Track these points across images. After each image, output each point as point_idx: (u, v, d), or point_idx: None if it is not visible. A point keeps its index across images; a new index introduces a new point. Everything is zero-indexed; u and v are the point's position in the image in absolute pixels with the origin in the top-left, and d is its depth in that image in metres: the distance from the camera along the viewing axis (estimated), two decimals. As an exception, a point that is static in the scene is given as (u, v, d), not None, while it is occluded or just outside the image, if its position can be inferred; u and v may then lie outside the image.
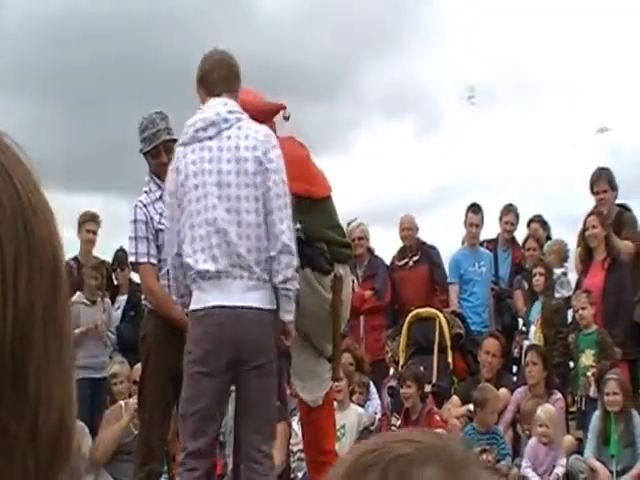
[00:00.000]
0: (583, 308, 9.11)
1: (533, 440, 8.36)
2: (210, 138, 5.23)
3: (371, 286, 10.59)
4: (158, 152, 6.32)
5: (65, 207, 11.06)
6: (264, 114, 5.76)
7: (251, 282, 5.09)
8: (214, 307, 5.07)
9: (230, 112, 5.27)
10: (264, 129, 5.28)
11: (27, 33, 18.21)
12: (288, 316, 5.17)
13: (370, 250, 10.89)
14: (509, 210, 11.21)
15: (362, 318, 10.45)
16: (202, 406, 5.06)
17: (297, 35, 19.30)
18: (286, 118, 5.98)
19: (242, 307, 5.05)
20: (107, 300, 10.21)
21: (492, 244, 11.26)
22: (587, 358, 8.95)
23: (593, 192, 10.06)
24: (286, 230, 5.09)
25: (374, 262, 10.85)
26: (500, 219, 11.25)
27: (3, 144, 0.81)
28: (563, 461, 8.18)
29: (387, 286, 10.73)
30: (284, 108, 5.92)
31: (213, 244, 5.10)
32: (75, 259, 10.60)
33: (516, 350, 10.02)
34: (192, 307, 5.20)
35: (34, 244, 0.78)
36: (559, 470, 8.12)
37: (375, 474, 0.98)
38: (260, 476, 5.08)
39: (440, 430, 8.37)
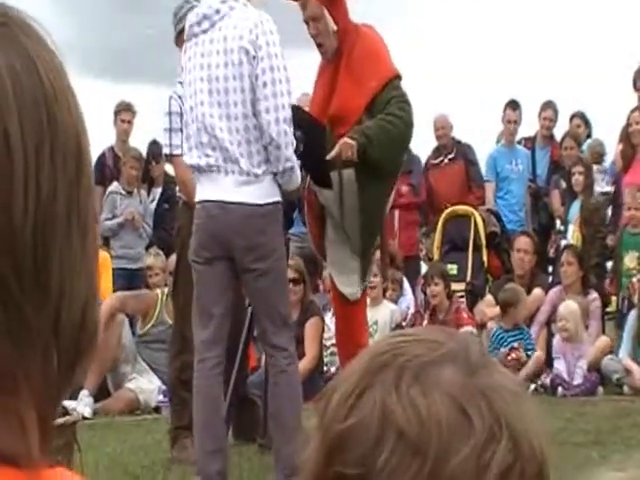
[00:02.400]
0: (637, 208, 8.93)
1: (557, 337, 8.38)
2: (204, 32, 5.12)
3: (407, 182, 10.58)
4: None
5: (115, 96, 10.99)
6: None
7: (242, 177, 5.02)
8: (207, 201, 5.07)
9: (223, 2, 5.12)
10: (255, 16, 5.07)
11: None
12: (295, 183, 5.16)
13: (407, 147, 10.84)
14: (548, 106, 11.07)
15: (397, 213, 10.44)
16: (201, 294, 5.08)
17: None
18: None
19: (231, 202, 5.01)
20: (143, 192, 10.22)
21: (530, 142, 11.14)
22: (631, 260, 8.87)
23: (636, 88, 9.89)
24: (272, 121, 4.94)
25: (410, 158, 10.80)
26: (539, 115, 11.11)
27: (27, 27, 0.77)
28: (584, 361, 8.16)
29: (423, 183, 10.70)
30: None
31: (204, 141, 5.06)
32: (111, 149, 10.59)
33: (552, 250, 9.98)
34: (195, 200, 5.22)
35: (57, 132, 0.75)
36: (580, 368, 8.13)
37: (390, 375, 0.97)
38: (278, 372, 5.09)
39: (468, 328, 8.40)
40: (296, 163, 5.08)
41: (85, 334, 0.76)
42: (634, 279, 8.74)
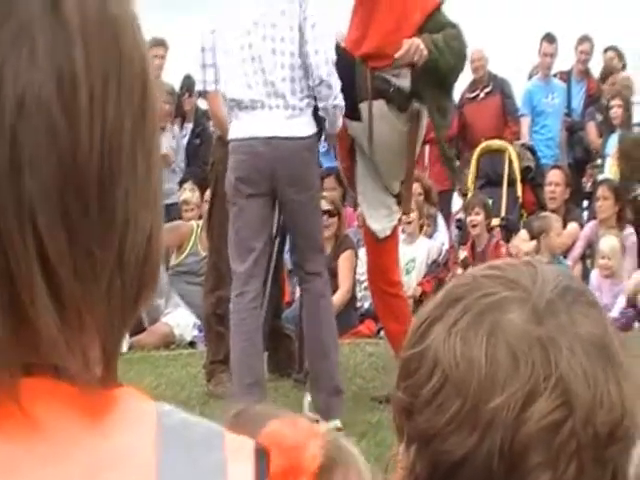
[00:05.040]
0: None
1: (595, 272, 8.33)
2: None
3: (438, 115, 10.44)
4: None
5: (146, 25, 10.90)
6: None
7: (287, 111, 5.05)
8: (251, 138, 5.06)
9: None
10: None
11: None
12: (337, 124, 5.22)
13: (438, 81, 10.74)
14: (584, 40, 10.96)
15: (427, 147, 10.34)
16: (241, 228, 5.10)
17: None
18: None
19: (278, 137, 5.02)
20: (176, 127, 10.21)
21: (566, 75, 11.05)
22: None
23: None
24: (322, 63, 5.00)
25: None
26: (575, 49, 11.02)
27: None
28: (623, 298, 8.12)
29: (454, 116, 10.57)
30: None
31: (248, 72, 5.03)
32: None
33: (588, 184, 9.91)
34: (230, 137, 5.17)
35: (123, 59, 0.73)
36: (620, 303, 8.10)
37: (457, 310, 0.97)
38: (314, 295, 5.17)
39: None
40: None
41: (149, 266, 0.75)
42: None
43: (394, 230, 5.96)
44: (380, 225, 5.82)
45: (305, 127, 5.08)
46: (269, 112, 5.04)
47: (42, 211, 0.68)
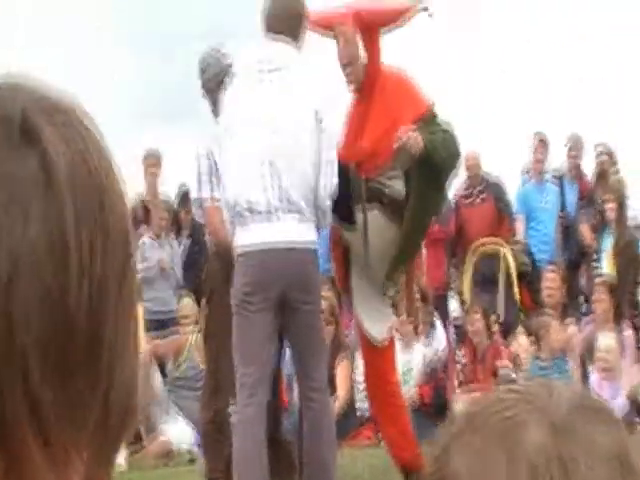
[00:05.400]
0: None
1: (595, 375, 8.29)
2: (269, 72, 5.14)
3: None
4: None
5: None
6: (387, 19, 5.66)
7: (299, 221, 5.07)
8: (262, 247, 5.05)
9: (280, 50, 5.17)
10: (321, 75, 5.22)
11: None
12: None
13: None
14: (574, 144, 11.11)
15: (423, 250, 10.37)
16: (247, 338, 5.04)
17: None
18: (430, 15, 5.79)
19: (291, 247, 5.03)
20: (172, 238, 10.26)
21: (558, 179, 11.15)
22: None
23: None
24: (326, 197, 5.11)
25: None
26: (567, 154, 11.18)
27: (79, 112, 0.79)
28: (623, 392, 8.09)
29: (451, 217, 10.60)
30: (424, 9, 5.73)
31: (267, 186, 5.06)
32: (142, 205, 10.53)
33: (584, 279, 9.95)
34: (240, 244, 5.14)
35: (108, 221, 0.77)
36: (619, 401, 8.04)
37: (476, 431, 0.97)
38: (317, 412, 5.11)
39: (505, 370, 8.26)
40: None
41: (128, 417, 0.79)
42: None
43: (391, 337, 5.95)
44: (378, 335, 5.78)
45: (312, 231, 5.12)
46: (283, 222, 5.06)
47: (34, 363, 0.72)
